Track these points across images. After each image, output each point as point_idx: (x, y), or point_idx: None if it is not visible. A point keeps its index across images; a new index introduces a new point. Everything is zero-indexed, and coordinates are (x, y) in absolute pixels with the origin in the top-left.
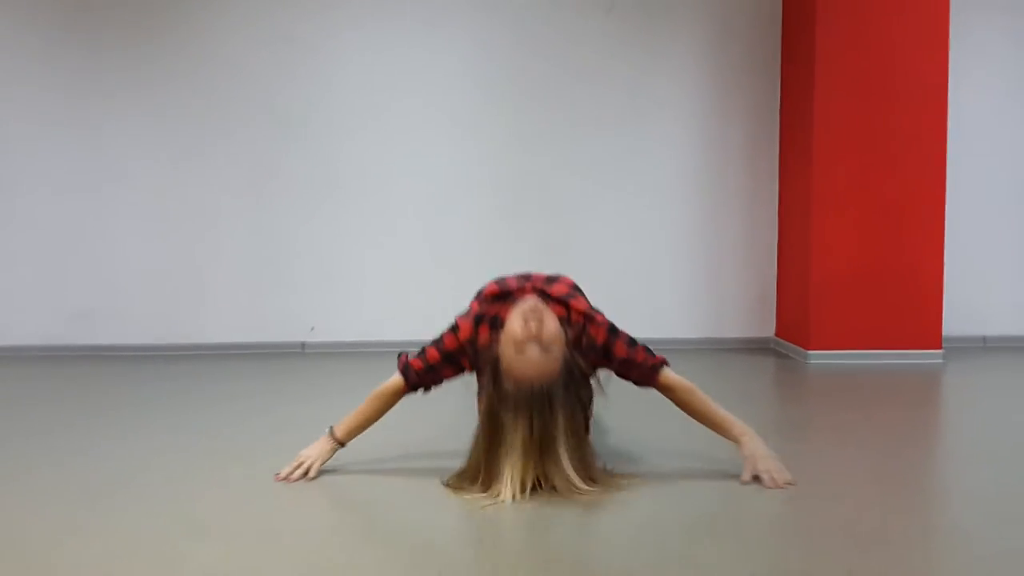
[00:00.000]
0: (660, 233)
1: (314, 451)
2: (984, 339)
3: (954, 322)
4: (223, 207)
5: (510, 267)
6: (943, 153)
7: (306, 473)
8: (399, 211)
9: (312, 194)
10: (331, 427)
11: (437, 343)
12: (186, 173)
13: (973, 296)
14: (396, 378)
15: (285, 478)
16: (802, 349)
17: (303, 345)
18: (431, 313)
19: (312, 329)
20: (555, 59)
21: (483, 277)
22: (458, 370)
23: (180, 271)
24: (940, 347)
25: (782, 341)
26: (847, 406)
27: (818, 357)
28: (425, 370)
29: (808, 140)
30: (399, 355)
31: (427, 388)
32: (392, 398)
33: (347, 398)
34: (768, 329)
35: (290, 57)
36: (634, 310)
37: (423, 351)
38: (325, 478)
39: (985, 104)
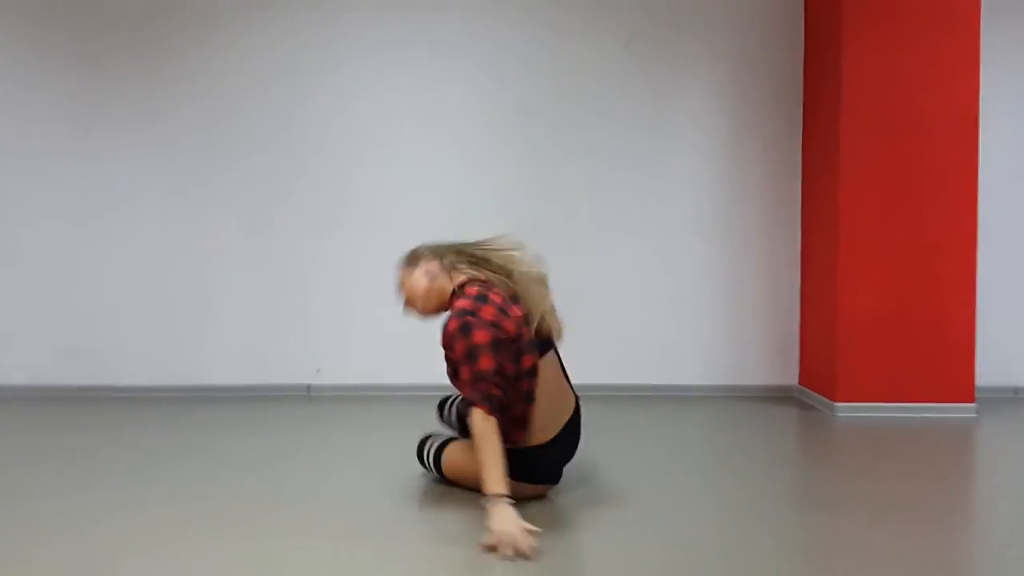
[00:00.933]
0: (677, 274)
1: (508, 523)
2: (1015, 390)
3: (985, 370)
4: (228, 240)
5: None
6: (974, 192)
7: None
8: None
9: (320, 227)
10: (491, 493)
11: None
12: (189, 205)
13: (1004, 344)
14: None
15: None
16: (828, 400)
17: (308, 388)
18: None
19: (319, 371)
20: (569, 93)
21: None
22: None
23: (181, 307)
24: (973, 399)
25: (806, 390)
26: (878, 469)
27: (846, 410)
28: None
29: (833, 177)
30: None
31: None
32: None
33: (357, 452)
34: (791, 376)
35: (299, 87)
36: (648, 355)
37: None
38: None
39: (1016, 140)
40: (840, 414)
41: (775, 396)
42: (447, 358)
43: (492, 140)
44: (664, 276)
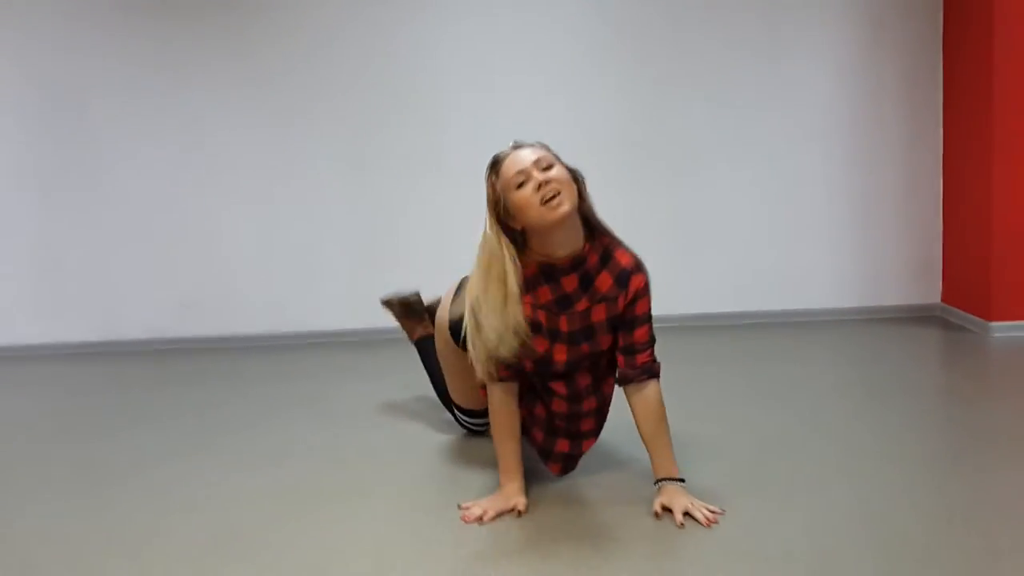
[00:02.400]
0: (800, 193)
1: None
2: None
3: None
4: (327, 186)
5: (637, 234)
6: None
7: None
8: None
9: (418, 168)
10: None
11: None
12: (288, 153)
13: None
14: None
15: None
16: (981, 320)
17: None
18: None
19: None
20: (676, 7)
21: None
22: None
23: (288, 254)
24: None
25: (951, 308)
26: None
27: (1003, 329)
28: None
29: (986, 81)
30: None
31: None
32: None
33: None
34: (934, 295)
35: (390, 26)
36: (773, 279)
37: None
38: None
39: None
40: (996, 335)
41: (915, 316)
42: (616, 312)
43: (592, 66)
44: (787, 195)
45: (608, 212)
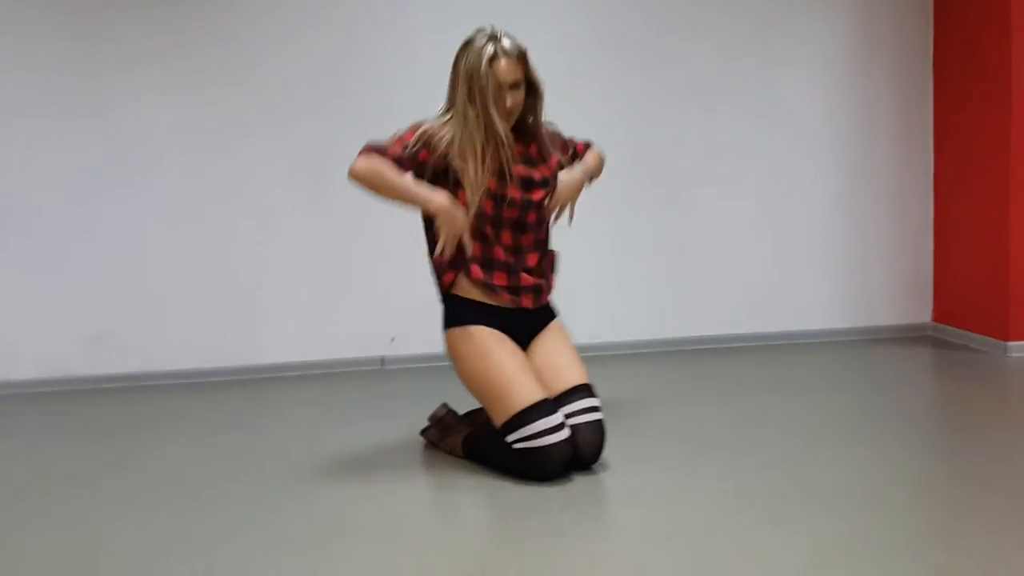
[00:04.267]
0: (795, 207)
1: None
2: None
3: None
4: (279, 198)
5: (626, 253)
6: None
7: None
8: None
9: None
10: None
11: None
12: (231, 158)
13: None
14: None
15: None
16: (999, 340)
17: (383, 360)
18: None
19: (393, 340)
20: (666, 17)
21: (594, 275)
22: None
23: (226, 279)
24: None
25: (944, 327)
26: None
27: (991, 346)
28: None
29: (1004, 98)
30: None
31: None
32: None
33: None
34: (924, 314)
35: (355, 27)
36: (763, 297)
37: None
38: None
39: None
40: (992, 351)
41: (907, 336)
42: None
43: (581, 67)
44: (778, 215)
45: (594, 236)
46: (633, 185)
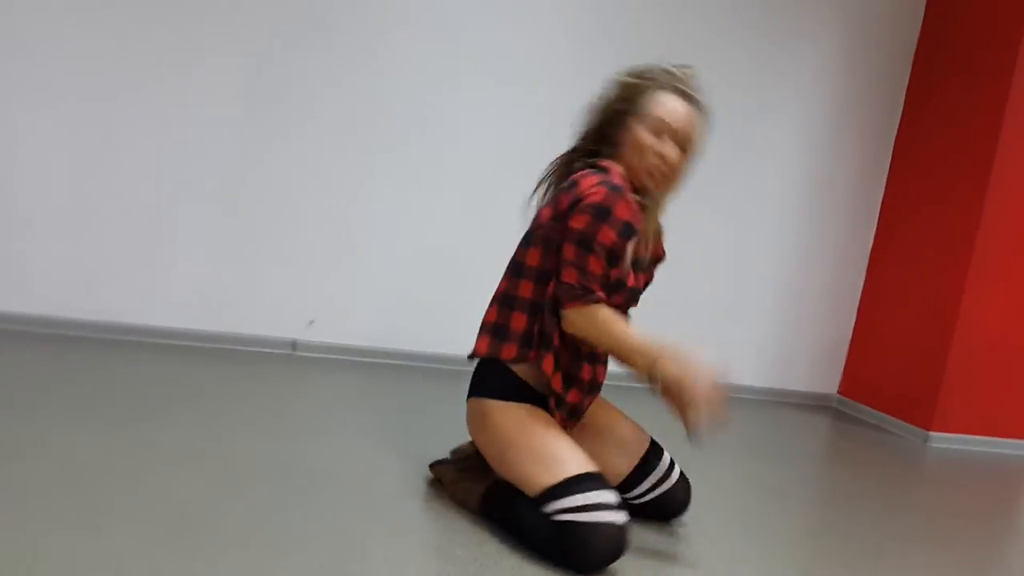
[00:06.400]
0: (742, 265)
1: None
2: None
3: None
4: (196, 142)
5: None
6: None
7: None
8: (445, 180)
9: (329, 138)
10: (656, 357)
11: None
12: (137, 88)
13: None
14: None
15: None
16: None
17: (294, 344)
18: (471, 319)
19: (311, 323)
20: (651, 38)
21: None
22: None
23: (115, 222)
24: None
25: (848, 401)
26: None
27: (896, 426)
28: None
29: (978, 179)
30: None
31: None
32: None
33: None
34: (831, 385)
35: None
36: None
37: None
38: None
39: None
40: (893, 430)
41: (812, 404)
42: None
43: (545, 127)
44: (725, 269)
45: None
46: None
